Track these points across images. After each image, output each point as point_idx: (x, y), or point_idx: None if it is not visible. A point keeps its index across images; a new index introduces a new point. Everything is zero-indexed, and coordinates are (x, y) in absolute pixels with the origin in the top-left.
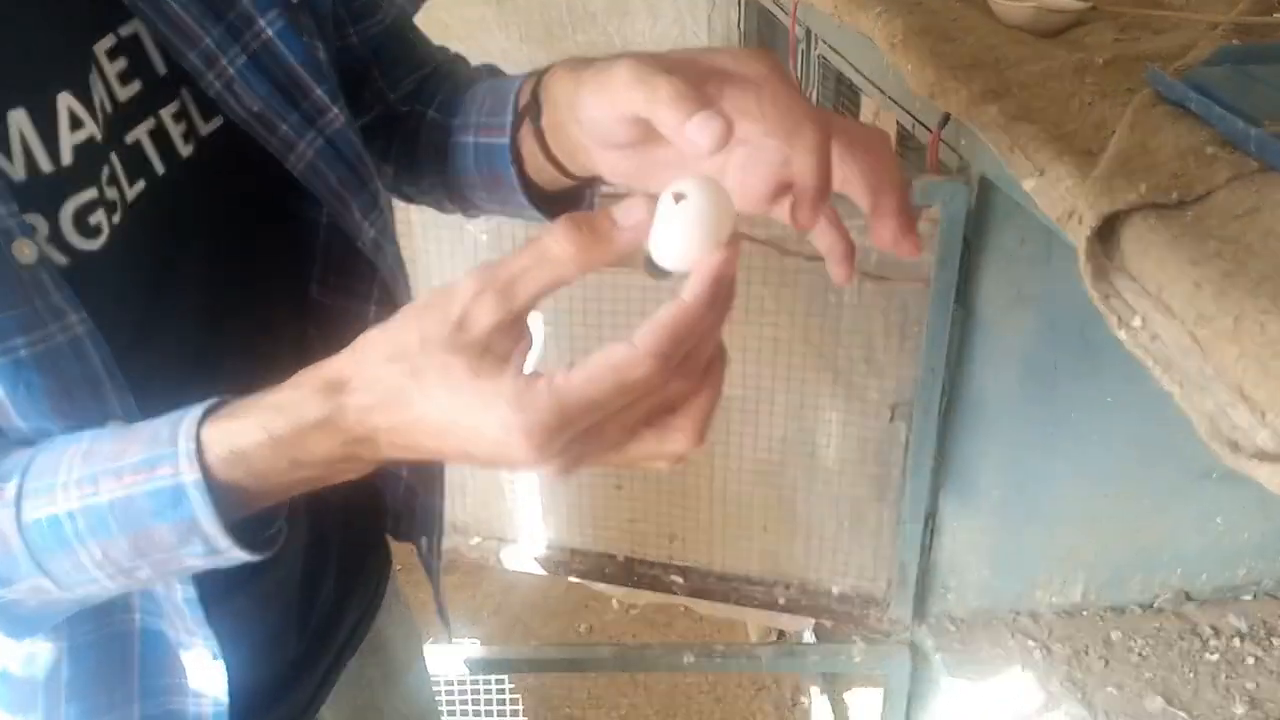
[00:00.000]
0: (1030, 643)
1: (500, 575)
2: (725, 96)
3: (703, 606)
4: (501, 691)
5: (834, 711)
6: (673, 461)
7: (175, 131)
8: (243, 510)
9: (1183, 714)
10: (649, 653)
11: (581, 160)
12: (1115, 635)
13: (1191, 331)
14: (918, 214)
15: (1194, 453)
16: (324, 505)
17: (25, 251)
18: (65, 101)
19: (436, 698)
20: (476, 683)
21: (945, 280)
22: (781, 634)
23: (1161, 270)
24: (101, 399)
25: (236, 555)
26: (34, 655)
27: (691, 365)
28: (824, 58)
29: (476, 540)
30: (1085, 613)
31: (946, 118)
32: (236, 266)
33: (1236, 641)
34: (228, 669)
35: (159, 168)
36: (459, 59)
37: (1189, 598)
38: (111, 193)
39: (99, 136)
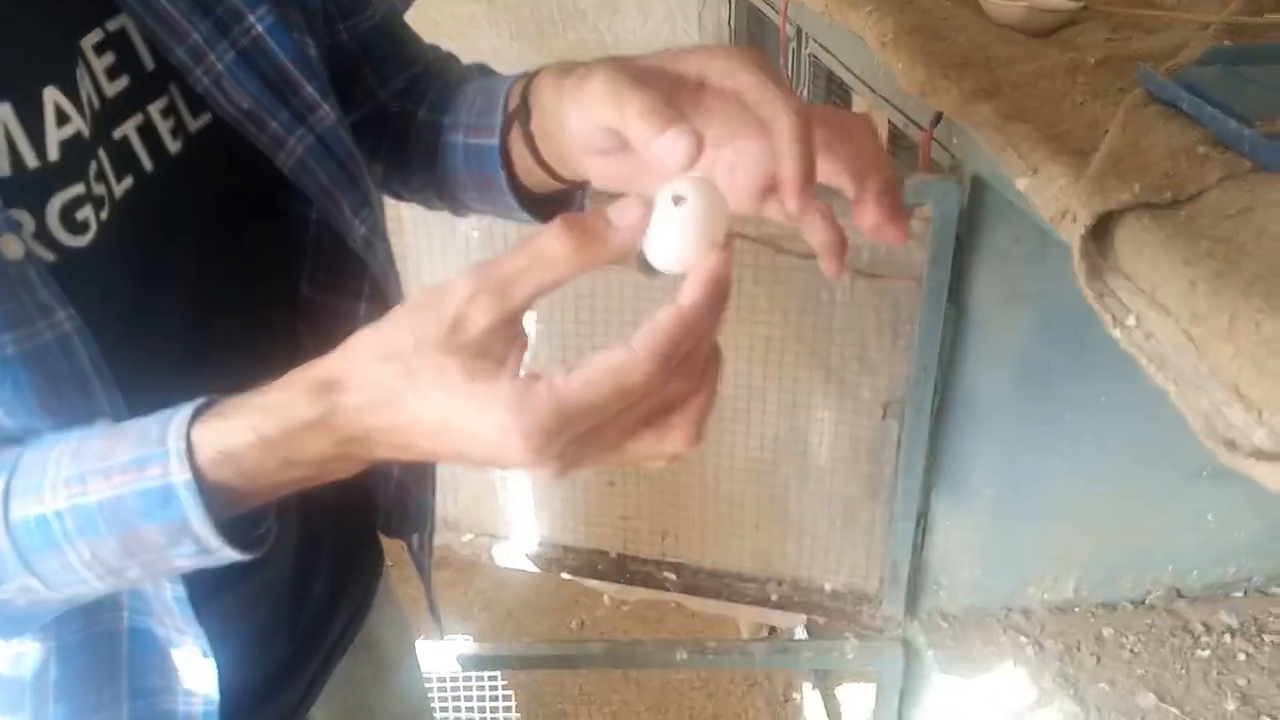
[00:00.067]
0: (1022, 639)
1: (491, 571)
2: (702, 102)
3: (694, 603)
4: (494, 688)
5: (826, 707)
6: (669, 460)
7: (164, 128)
8: (233, 510)
9: (1174, 710)
10: (641, 649)
11: (571, 164)
12: (1107, 632)
13: (1186, 330)
14: (910, 210)
15: (1186, 451)
16: (316, 503)
17: (11, 247)
18: (52, 96)
19: (428, 694)
20: (469, 679)
21: (938, 278)
22: (773, 630)
23: (1155, 269)
24: (89, 397)
25: (227, 555)
26: (21, 655)
27: (690, 367)
28: (815, 56)
29: (468, 537)
30: (1077, 609)
31: (939, 116)
32: (226, 264)
33: (1228, 638)
34: (218, 667)
35: (147, 164)
36: (450, 57)
37: (1180, 594)
38: (99, 189)
39: (86, 132)
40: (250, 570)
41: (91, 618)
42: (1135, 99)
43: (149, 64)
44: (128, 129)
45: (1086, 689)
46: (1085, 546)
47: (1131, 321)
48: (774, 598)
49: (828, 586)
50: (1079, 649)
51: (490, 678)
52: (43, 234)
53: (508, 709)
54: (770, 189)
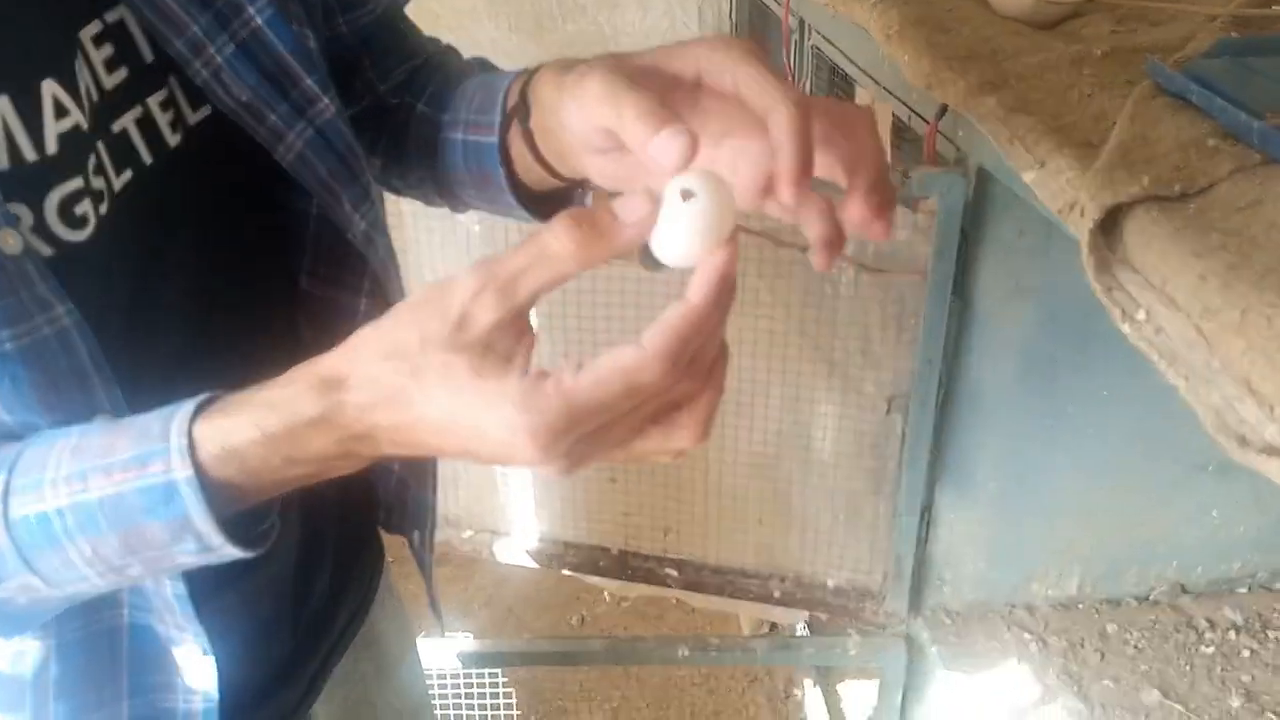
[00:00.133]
0: (1026, 635)
1: (492, 568)
2: (699, 101)
3: (696, 599)
4: (495, 684)
5: (827, 703)
6: (674, 456)
7: (163, 120)
8: (235, 506)
9: (1179, 707)
10: (643, 646)
11: (571, 163)
12: (1111, 628)
13: (1197, 325)
14: (914, 202)
15: (1191, 446)
16: (317, 500)
17: (10, 242)
18: (50, 89)
19: (429, 691)
20: (469, 676)
21: (942, 272)
22: (773, 626)
23: (1165, 263)
24: (89, 392)
25: (229, 552)
26: (21, 653)
27: (698, 366)
28: (818, 48)
29: (469, 533)
30: (1081, 605)
31: (944, 109)
32: (225, 258)
33: (1232, 634)
34: (218, 665)
35: (146, 157)
36: (450, 51)
37: (1184, 590)
38: (98, 183)
39: (85, 125)
40: (252, 567)
41: (91, 615)
42: (1143, 91)
43: (148, 56)
44: (126, 122)
45: (1090, 686)
46: (1089, 541)
47: (1141, 316)
48: (777, 594)
49: (831, 582)
50: (1083, 645)
51: (491, 674)
52: (41, 228)
53: (508, 705)
54: (769, 186)
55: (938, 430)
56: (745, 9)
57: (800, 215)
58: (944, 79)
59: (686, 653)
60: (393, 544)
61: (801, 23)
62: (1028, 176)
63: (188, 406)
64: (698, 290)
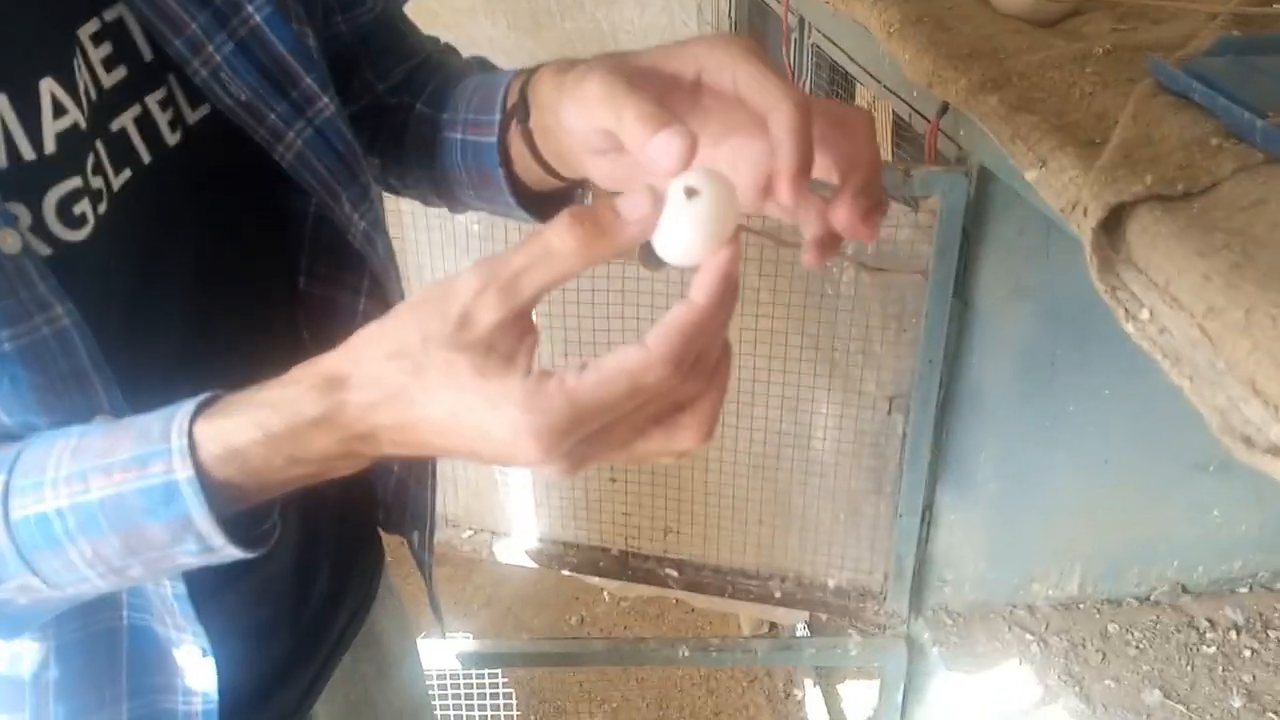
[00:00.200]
0: (1027, 636)
1: (491, 568)
2: (698, 102)
3: (696, 599)
4: (495, 685)
5: (827, 703)
6: (677, 457)
7: (162, 119)
8: (236, 507)
9: (1180, 707)
10: (644, 647)
11: (571, 163)
12: (1112, 628)
13: (1201, 325)
14: (916, 203)
15: (1191, 445)
16: (316, 500)
17: (8, 241)
18: (48, 87)
19: (429, 691)
20: (469, 676)
21: (944, 272)
22: (773, 626)
23: (1169, 262)
24: (88, 392)
25: (231, 553)
26: (20, 655)
27: (702, 367)
28: (817, 46)
29: (469, 533)
30: (1082, 605)
31: (945, 107)
32: (224, 257)
33: (1233, 634)
34: (218, 665)
35: (145, 156)
36: (450, 50)
37: (1185, 590)
38: (97, 182)
39: (83, 124)
40: (251, 568)
41: (90, 616)
42: (1145, 90)
43: (147, 54)
44: (125, 120)
45: (1092, 686)
46: (1090, 541)
47: (1145, 316)
48: (777, 594)
49: (831, 583)
50: (1084, 645)
51: (491, 675)
52: (39, 228)
53: (508, 706)
54: (769, 186)
55: (938, 430)
56: (744, 6)
57: (798, 214)
58: (945, 77)
59: (687, 653)
60: (392, 544)
61: (801, 20)
62: (1030, 175)
63: (188, 406)
64: (701, 290)
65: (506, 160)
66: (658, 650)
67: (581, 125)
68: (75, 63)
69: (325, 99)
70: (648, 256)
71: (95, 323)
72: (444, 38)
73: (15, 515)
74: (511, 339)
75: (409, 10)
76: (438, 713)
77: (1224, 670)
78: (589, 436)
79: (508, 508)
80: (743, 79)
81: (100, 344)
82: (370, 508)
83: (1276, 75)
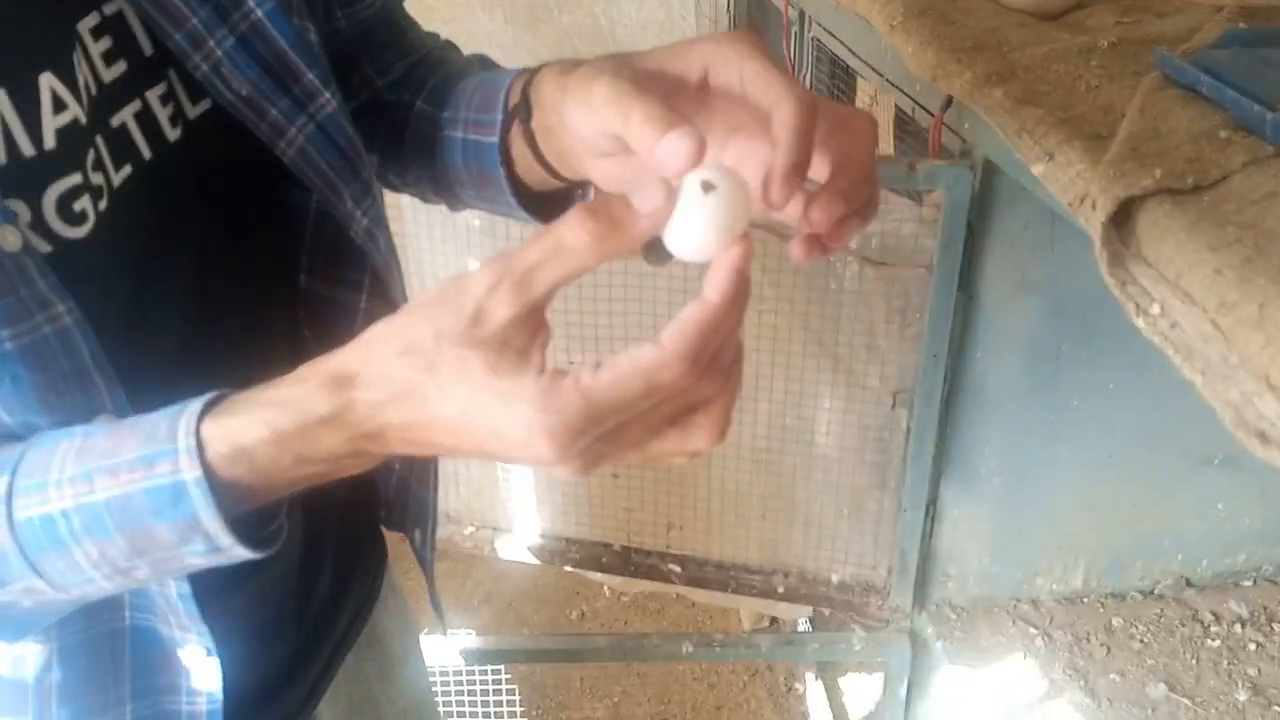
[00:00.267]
0: (1031, 630)
1: (491, 563)
2: (704, 103)
3: (696, 593)
4: (498, 681)
5: (829, 697)
6: (690, 457)
7: (162, 115)
8: (244, 507)
9: (1185, 701)
10: (647, 642)
11: (573, 164)
12: (1116, 622)
13: (1213, 319)
14: (921, 197)
15: (1196, 439)
16: (320, 499)
17: (8, 239)
18: (48, 82)
19: (432, 688)
20: (472, 673)
21: (948, 266)
22: (774, 620)
23: (1180, 256)
24: (90, 392)
25: (238, 553)
26: (22, 657)
27: (717, 366)
28: (818, 40)
29: (471, 530)
30: (1086, 600)
31: (949, 101)
32: (225, 255)
33: (1238, 628)
34: (222, 666)
35: (146, 152)
36: (450, 46)
37: (1189, 584)
38: (97, 178)
39: (83, 119)
40: (259, 568)
41: (93, 618)
42: (1152, 82)
43: (147, 49)
44: (125, 116)
45: (1097, 680)
46: (1094, 535)
47: (1155, 310)
48: (781, 590)
49: (835, 578)
50: (1089, 640)
51: (494, 671)
52: (39, 225)
53: (511, 701)
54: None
55: (942, 424)
56: (744, 0)
57: (788, 210)
58: (949, 71)
59: (690, 649)
60: (392, 540)
61: (802, 14)
62: (1037, 169)
63: (195, 406)
64: (715, 288)
65: (507, 160)
66: (661, 646)
67: (587, 128)
68: (75, 57)
69: (327, 94)
70: (651, 253)
71: (96, 321)
72: (441, 33)
73: (19, 516)
74: (525, 336)
75: (407, 5)
76: (441, 709)
77: (1229, 664)
78: (603, 436)
79: (509, 504)
80: (749, 75)
81: (101, 342)
82: (373, 506)
83: None
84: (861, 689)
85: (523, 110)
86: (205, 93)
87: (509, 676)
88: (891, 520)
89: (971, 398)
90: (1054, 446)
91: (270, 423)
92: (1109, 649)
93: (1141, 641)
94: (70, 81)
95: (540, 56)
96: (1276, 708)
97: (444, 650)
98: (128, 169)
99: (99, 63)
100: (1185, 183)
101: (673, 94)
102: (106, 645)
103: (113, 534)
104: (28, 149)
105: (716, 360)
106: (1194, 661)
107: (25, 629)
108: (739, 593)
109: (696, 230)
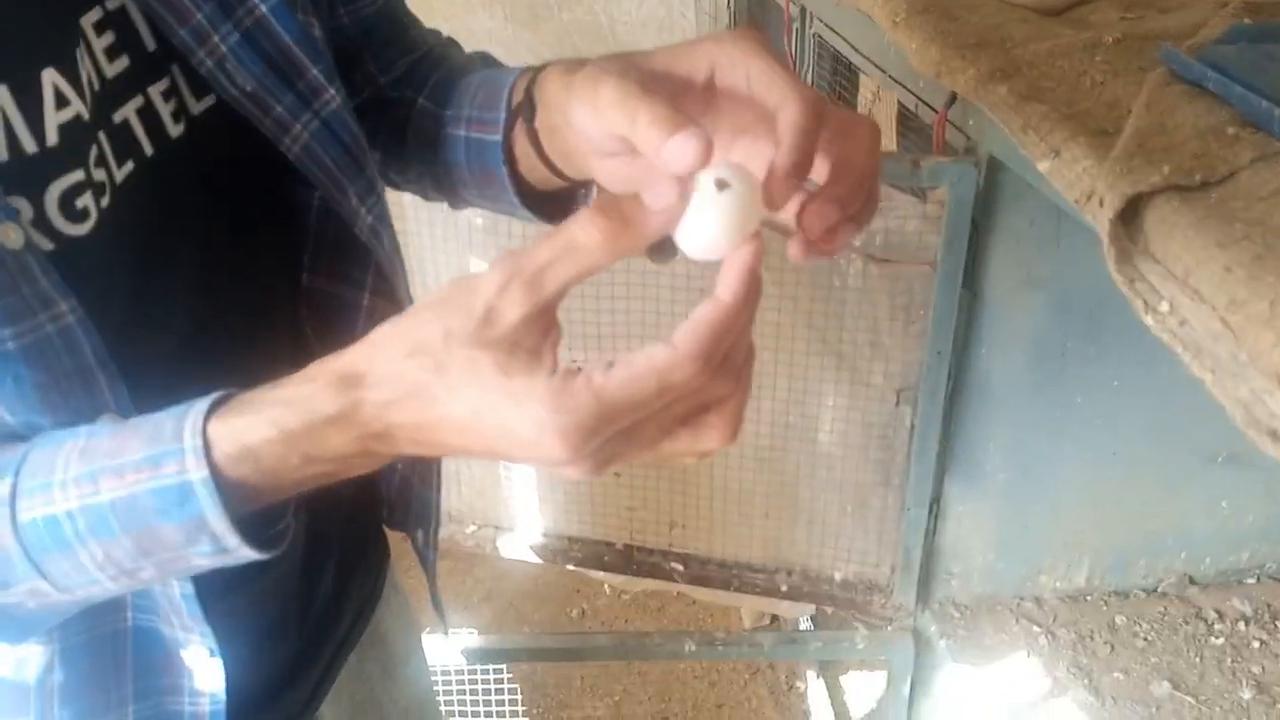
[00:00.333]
0: (1035, 628)
1: (492, 561)
2: (710, 104)
3: (697, 591)
4: (499, 680)
5: (831, 695)
6: (701, 457)
7: (164, 110)
8: (250, 507)
9: (1189, 699)
10: (649, 641)
11: (578, 164)
12: (1120, 620)
13: (1223, 317)
14: (925, 194)
15: (1200, 436)
16: (323, 499)
17: (10, 236)
18: (50, 78)
19: (434, 687)
20: (474, 672)
21: (953, 262)
22: (775, 618)
23: (1188, 253)
24: (93, 390)
25: (245, 554)
26: (25, 659)
27: (729, 366)
28: (820, 36)
29: (472, 528)
30: (1089, 597)
31: (953, 97)
32: (228, 252)
33: (1241, 625)
34: (225, 666)
35: (147, 148)
36: (452, 43)
37: (1193, 581)
38: (99, 175)
39: (86, 115)
40: (260, 569)
41: (95, 619)
42: (1157, 78)
43: (150, 44)
44: (128, 111)
45: (1101, 678)
46: (1098, 533)
47: (1164, 308)
48: (784, 588)
49: (838, 576)
50: (1092, 638)
51: (495, 670)
52: (41, 222)
53: (513, 700)
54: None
55: (946, 422)
56: None
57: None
58: (953, 67)
59: (693, 648)
60: (394, 539)
61: (803, 10)
62: (1042, 166)
63: (201, 405)
64: (727, 287)
65: (510, 159)
66: (663, 645)
67: (592, 128)
68: (78, 53)
69: (332, 91)
70: (656, 251)
71: (98, 319)
72: (442, 30)
73: (23, 517)
74: (536, 335)
75: (408, 2)
76: (443, 708)
77: (1233, 662)
78: (615, 436)
79: (511, 503)
80: (755, 74)
81: (103, 340)
82: (375, 506)
83: None
84: (863, 687)
85: (526, 109)
86: (209, 89)
87: (510, 675)
88: (895, 518)
89: (976, 395)
90: (1058, 444)
91: (277, 422)
92: (1113, 647)
93: (1145, 639)
94: (73, 77)
95: (540, 54)
96: None
97: (446, 649)
98: (130, 165)
99: (102, 58)
100: (1193, 179)
101: (679, 95)
102: (109, 646)
103: (118, 535)
104: (30, 145)
105: (729, 359)
106: (1198, 659)
107: (29, 631)
108: (742, 591)
109: (710, 228)
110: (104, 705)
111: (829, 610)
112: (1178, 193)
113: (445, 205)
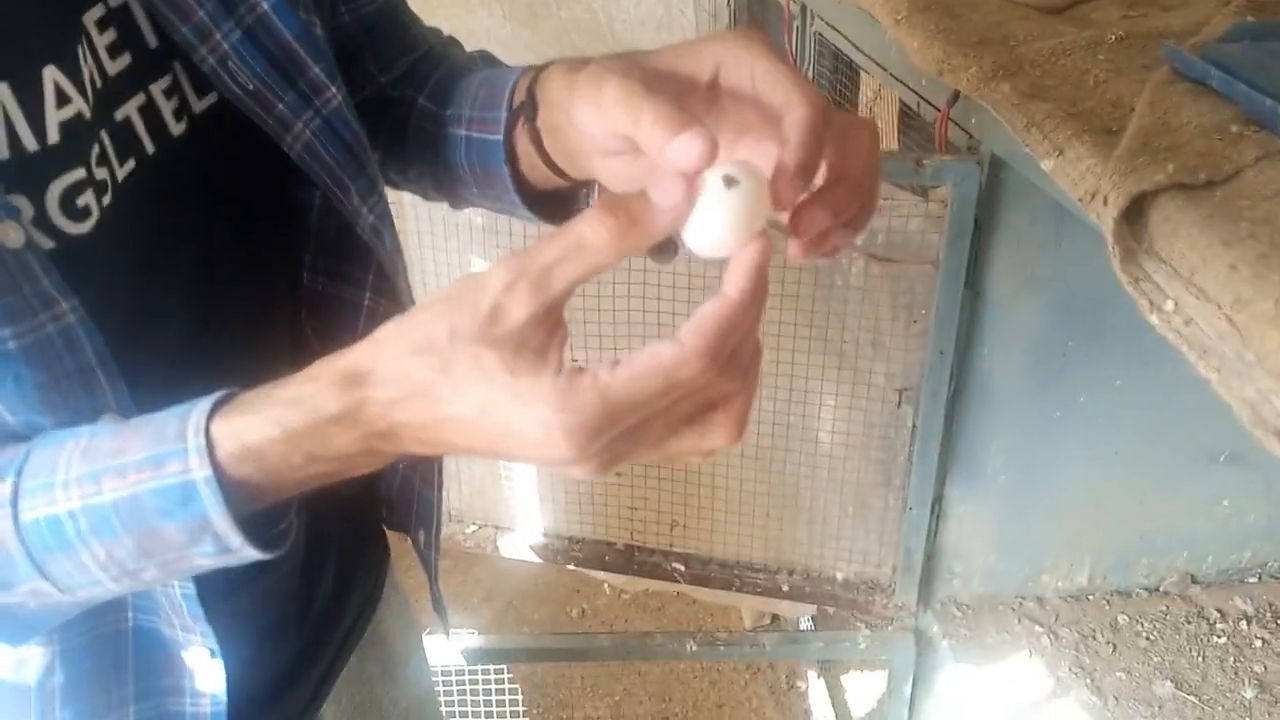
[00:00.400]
0: (1037, 628)
1: (491, 561)
2: (714, 104)
3: (697, 590)
4: (500, 680)
5: (831, 695)
6: (707, 456)
7: (167, 109)
8: (253, 506)
9: (1192, 699)
10: (650, 641)
11: (580, 163)
12: (1122, 619)
13: (1229, 316)
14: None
15: (1202, 436)
16: (323, 499)
17: (11, 235)
18: (52, 76)
19: (435, 687)
20: (474, 672)
21: (954, 262)
22: (775, 618)
23: (1193, 252)
24: (94, 390)
25: (248, 554)
26: (25, 660)
27: (736, 364)
28: (820, 35)
29: (473, 528)
30: (1091, 597)
31: (956, 95)
32: (229, 251)
33: (1243, 624)
34: (226, 667)
35: (149, 147)
36: (453, 42)
37: (1195, 581)
38: (101, 173)
39: (87, 113)
40: (261, 569)
41: (96, 620)
42: (1161, 76)
43: (152, 41)
44: (129, 109)
45: (1103, 678)
46: (1100, 533)
47: (1169, 307)
48: (785, 588)
49: (839, 576)
50: (1094, 637)
51: (496, 670)
52: (42, 220)
53: (514, 700)
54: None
55: (948, 422)
56: None
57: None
58: (956, 65)
59: (694, 648)
60: (393, 538)
61: (804, 8)
62: (1046, 164)
63: (204, 404)
64: (734, 284)
65: (512, 158)
66: (664, 645)
67: (596, 127)
68: (79, 50)
69: (333, 89)
70: (659, 249)
71: (99, 318)
72: (441, 28)
73: (25, 518)
74: (542, 335)
75: (408, 1)
76: (443, 709)
77: (1235, 661)
78: (621, 435)
79: (512, 502)
80: (760, 74)
81: (104, 339)
82: (375, 506)
83: None
84: (864, 687)
85: (528, 108)
86: (210, 86)
87: (511, 676)
88: (896, 518)
89: (977, 395)
90: (1060, 443)
91: (281, 421)
92: (1115, 646)
93: (1147, 639)
94: (74, 75)
95: (539, 52)
96: None
97: (447, 649)
98: (131, 163)
99: (104, 56)
100: (1198, 178)
101: (683, 94)
102: (110, 647)
103: (121, 535)
104: (31, 144)
105: (735, 357)
106: (1200, 659)
107: (31, 631)
108: (743, 591)
109: (717, 226)
110: (105, 706)
111: (830, 610)
112: (1182, 191)
113: (445, 205)
